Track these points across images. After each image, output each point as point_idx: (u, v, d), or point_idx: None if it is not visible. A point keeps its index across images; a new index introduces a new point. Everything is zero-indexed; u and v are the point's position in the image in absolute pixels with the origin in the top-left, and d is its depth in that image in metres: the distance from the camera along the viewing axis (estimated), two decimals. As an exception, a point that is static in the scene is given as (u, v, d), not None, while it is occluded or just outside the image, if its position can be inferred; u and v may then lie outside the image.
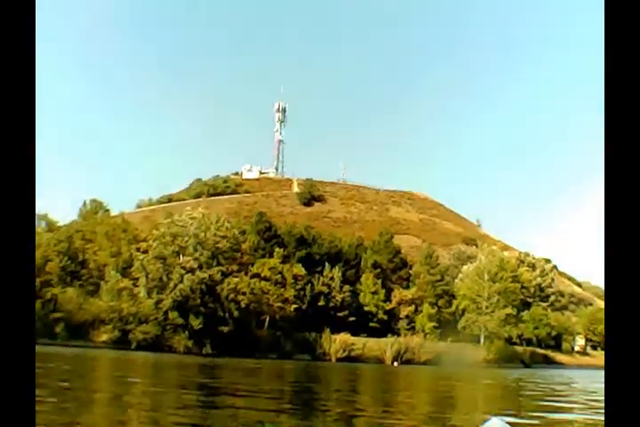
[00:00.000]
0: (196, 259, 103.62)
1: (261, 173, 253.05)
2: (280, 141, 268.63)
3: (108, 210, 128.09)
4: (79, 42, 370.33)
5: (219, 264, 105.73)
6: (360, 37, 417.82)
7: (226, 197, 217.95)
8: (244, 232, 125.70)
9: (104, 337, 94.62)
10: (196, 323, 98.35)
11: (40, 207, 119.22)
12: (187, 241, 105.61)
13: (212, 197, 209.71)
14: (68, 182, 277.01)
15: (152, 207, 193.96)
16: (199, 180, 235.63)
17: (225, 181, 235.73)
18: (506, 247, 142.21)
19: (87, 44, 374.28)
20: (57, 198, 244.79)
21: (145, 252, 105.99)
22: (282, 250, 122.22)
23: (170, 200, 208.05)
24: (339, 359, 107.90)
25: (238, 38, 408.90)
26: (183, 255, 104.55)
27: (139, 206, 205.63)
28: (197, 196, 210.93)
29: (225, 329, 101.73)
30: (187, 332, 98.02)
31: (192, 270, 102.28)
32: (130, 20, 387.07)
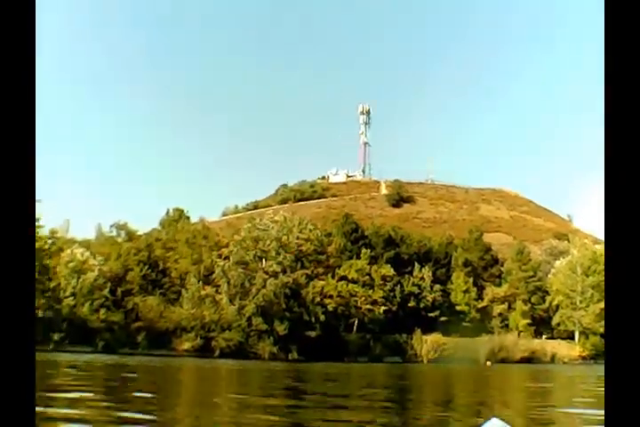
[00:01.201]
0: (279, 263, 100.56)
1: (348, 176, 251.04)
2: (365, 144, 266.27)
3: (188, 217, 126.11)
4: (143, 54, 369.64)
5: (303, 267, 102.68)
6: (443, 36, 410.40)
7: (313, 201, 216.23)
8: (329, 235, 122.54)
9: (186, 345, 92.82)
10: (281, 328, 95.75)
11: (119, 217, 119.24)
12: (269, 245, 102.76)
13: (300, 203, 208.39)
14: (151, 194, 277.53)
15: (238, 215, 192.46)
16: (285, 185, 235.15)
17: (312, 186, 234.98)
18: (598, 241, 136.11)
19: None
20: (138, 209, 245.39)
21: (226, 258, 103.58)
22: (369, 251, 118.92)
23: (256, 207, 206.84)
24: (430, 361, 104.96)
25: (320, 42, 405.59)
26: (265, 260, 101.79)
27: (224, 214, 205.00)
28: (284, 201, 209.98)
29: (312, 334, 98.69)
30: (271, 338, 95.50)
31: (275, 275, 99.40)
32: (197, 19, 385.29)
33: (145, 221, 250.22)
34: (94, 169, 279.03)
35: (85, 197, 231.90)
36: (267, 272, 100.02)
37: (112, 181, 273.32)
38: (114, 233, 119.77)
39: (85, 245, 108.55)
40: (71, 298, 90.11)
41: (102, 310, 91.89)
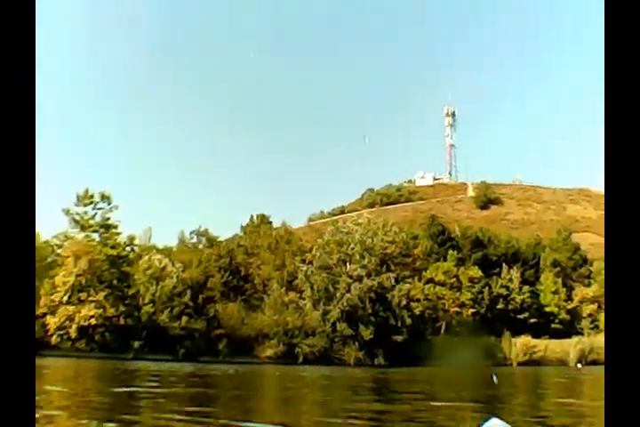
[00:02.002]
0: (363, 266, 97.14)
1: (435, 179, 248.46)
2: (451, 146, 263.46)
3: (270, 222, 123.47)
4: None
5: (388, 270, 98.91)
6: (526, 36, 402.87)
7: (399, 205, 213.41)
8: (415, 237, 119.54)
9: (269, 352, 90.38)
10: (366, 333, 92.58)
11: (200, 224, 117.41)
12: (353, 248, 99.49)
13: (386, 207, 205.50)
14: (234, 201, 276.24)
15: (324, 220, 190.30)
16: (371, 190, 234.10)
17: (398, 190, 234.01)
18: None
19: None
20: (218, 215, 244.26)
21: (310, 263, 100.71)
22: (456, 253, 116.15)
23: (342, 212, 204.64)
24: (520, 363, 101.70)
25: (404, 44, 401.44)
26: (349, 263, 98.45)
27: (310, 220, 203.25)
28: (371, 206, 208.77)
29: (398, 338, 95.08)
30: (356, 343, 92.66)
31: (360, 279, 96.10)
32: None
33: (227, 228, 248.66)
34: (174, 177, 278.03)
35: (169, 205, 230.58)
36: (351, 276, 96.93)
37: (194, 190, 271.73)
38: (194, 240, 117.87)
39: (167, 252, 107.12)
40: (150, 305, 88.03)
41: (184, 318, 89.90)
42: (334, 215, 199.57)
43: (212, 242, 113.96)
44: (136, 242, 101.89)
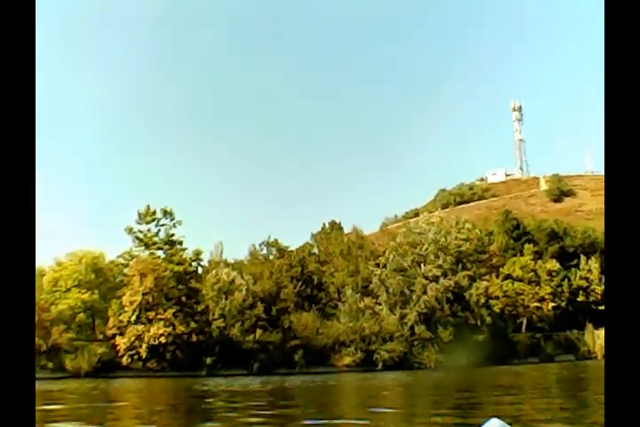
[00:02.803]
0: (438, 266, 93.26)
1: (507, 175, 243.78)
2: (520, 141, 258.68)
3: (341, 228, 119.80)
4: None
5: (464, 269, 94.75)
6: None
7: (473, 204, 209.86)
8: (490, 233, 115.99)
9: (347, 360, 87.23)
10: (445, 335, 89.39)
11: (270, 235, 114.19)
12: (426, 248, 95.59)
13: (460, 206, 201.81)
14: (301, 209, 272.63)
15: (398, 224, 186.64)
16: (443, 190, 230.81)
17: (470, 188, 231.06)
18: None
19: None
20: (287, 225, 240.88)
21: (384, 266, 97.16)
22: (532, 246, 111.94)
23: (416, 215, 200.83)
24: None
25: (470, 41, 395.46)
26: (424, 264, 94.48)
27: (385, 225, 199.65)
28: (444, 206, 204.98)
29: (479, 338, 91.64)
30: (436, 345, 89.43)
31: (435, 279, 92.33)
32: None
33: (297, 238, 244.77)
34: (236, 190, 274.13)
35: (236, 218, 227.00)
36: (426, 277, 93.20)
37: (259, 201, 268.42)
38: (264, 251, 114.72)
39: (238, 266, 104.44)
40: (220, 320, 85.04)
41: (258, 331, 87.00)
42: (408, 218, 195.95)
43: (282, 252, 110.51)
44: (207, 257, 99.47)
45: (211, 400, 26.57)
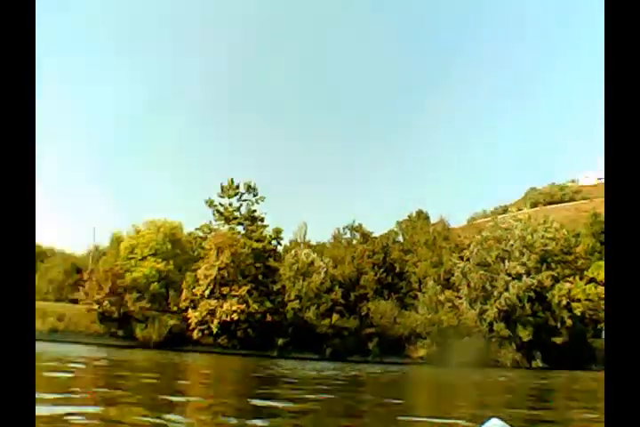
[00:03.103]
0: (522, 264, 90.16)
1: (599, 178, 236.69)
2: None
3: (427, 218, 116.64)
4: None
5: (548, 269, 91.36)
6: None
7: (562, 205, 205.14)
8: (577, 235, 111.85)
9: (421, 352, 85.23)
10: (524, 334, 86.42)
11: (354, 219, 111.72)
12: (512, 245, 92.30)
13: (549, 206, 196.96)
14: (392, 196, 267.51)
15: (486, 219, 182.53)
16: (534, 189, 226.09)
17: (561, 189, 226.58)
18: None
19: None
20: (374, 211, 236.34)
21: (467, 260, 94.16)
22: None
23: (505, 211, 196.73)
24: None
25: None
26: (508, 260, 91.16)
27: (473, 219, 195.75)
28: (533, 205, 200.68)
29: (558, 340, 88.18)
30: (513, 344, 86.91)
31: (519, 276, 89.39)
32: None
33: (382, 224, 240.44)
34: (327, 173, 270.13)
35: (323, 201, 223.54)
36: (509, 274, 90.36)
37: (348, 186, 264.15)
38: (348, 235, 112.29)
39: (320, 248, 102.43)
40: (296, 302, 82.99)
41: (334, 316, 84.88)
42: (497, 215, 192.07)
43: (366, 237, 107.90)
44: (289, 237, 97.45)
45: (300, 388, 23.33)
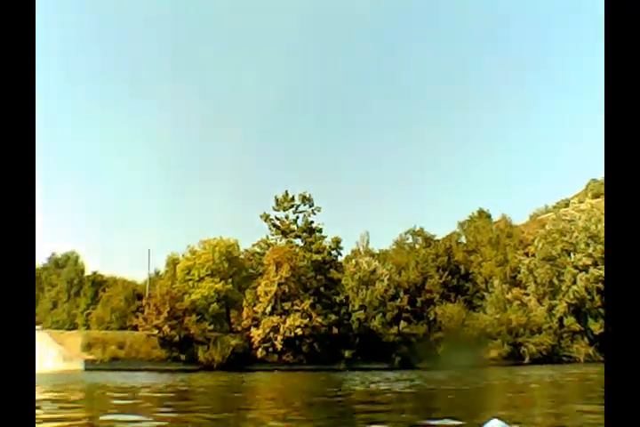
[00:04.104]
0: (588, 255, 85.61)
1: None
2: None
3: (489, 216, 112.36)
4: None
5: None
6: None
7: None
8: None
9: (493, 353, 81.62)
10: (596, 327, 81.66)
11: (415, 224, 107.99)
12: (576, 237, 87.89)
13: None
14: (448, 197, 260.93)
15: (548, 214, 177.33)
16: (595, 180, 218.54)
17: None
18: None
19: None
20: (433, 214, 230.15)
21: (532, 255, 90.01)
22: None
23: (567, 205, 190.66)
24: None
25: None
26: (574, 253, 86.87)
27: (535, 215, 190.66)
28: (595, 196, 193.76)
29: None
30: (585, 338, 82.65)
31: (585, 268, 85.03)
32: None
33: (443, 227, 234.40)
34: (379, 178, 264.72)
35: (380, 207, 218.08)
36: (576, 266, 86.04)
37: (410, 191, 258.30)
38: (410, 240, 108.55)
39: (383, 256, 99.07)
40: (361, 311, 79.65)
41: (402, 323, 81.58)
42: (558, 209, 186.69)
43: (428, 241, 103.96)
44: (352, 247, 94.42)
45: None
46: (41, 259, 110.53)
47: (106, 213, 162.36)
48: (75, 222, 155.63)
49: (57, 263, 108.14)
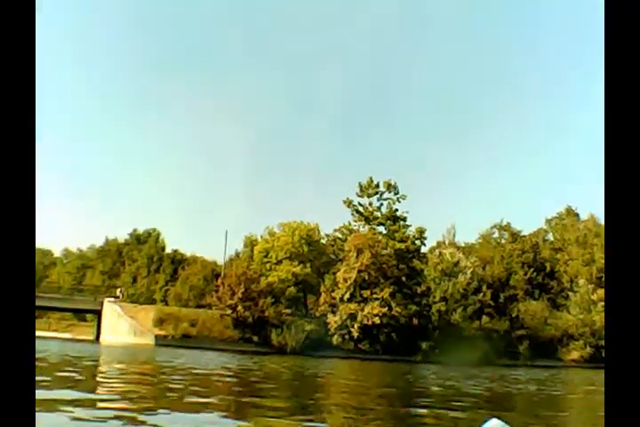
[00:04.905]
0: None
1: None
2: None
3: (577, 214, 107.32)
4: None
5: None
6: None
7: None
8: None
9: (574, 355, 78.89)
10: None
11: (502, 218, 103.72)
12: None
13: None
14: (537, 192, 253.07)
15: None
16: None
17: None
18: None
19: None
20: (520, 210, 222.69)
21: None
22: None
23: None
24: None
25: None
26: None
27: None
28: None
29: None
30: None
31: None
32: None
33: (529, 223, 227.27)
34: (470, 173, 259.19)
35: (470, 201, 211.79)
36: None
37: (498, 185, 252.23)
38: (496, 235, 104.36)
39: (468, 249, 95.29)
40: (441, 303, 76.05)
41: (484, 318, 78.12)
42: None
43: (514, 236, 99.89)
44: (438, 239, 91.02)
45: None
46: (122, 234, 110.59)
47: (190, 196, 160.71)
48: (159, 203, 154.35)
49: (138, 239, 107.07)
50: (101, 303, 70.65)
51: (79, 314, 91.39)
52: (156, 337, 64.48)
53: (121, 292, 77.76)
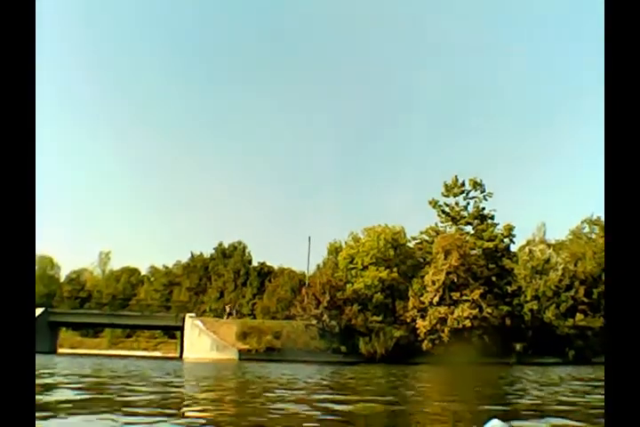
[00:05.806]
0: None
1: None
2: None
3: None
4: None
5: None
6: None
7: None
8: None
9: None
10: None
11: (592, 212, 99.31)
12: None
13: None
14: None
15: None
16: None
17: None
18: None
19: None
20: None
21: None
22: None
23: None
24: None
25: None
26: None
27: None
28: None
29: None
30: None
31: None
32: None
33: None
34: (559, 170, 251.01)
35: (562, 197, 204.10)
36: None
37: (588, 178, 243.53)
38: (586, 230, 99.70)
39: (559, 246, 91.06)
40: (534, 302, 72.47)
41: (578, 315, 73.99)
42: None
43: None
44: (527, 237, 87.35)
45: None
46: (208, 249, 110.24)
47: (273, 206, 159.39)
48: (243, 216, 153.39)
49: (224, 253, 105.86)
50: (182, 319, 70.00)
51: (169, 331, 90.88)
52: (240, 351, 63.37)
53: (230, 308, 76.84)
